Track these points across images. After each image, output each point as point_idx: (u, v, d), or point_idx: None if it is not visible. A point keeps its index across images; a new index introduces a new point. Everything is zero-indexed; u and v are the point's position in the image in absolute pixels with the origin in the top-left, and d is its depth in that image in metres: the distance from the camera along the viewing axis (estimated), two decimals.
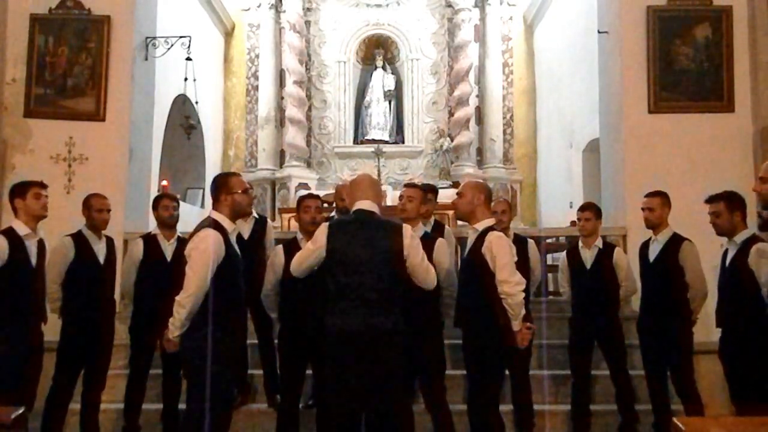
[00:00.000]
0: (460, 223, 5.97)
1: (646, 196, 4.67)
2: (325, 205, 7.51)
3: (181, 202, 5.17)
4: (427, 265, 3.51)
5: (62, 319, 4.49)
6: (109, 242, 4.68)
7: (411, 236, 3.46)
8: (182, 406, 4.53)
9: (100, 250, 4.57)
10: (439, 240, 4.13)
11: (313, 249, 3.48)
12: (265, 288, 4.39)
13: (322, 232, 3.45)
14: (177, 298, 3.41)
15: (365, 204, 3.48)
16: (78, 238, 4.52)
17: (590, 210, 4.93)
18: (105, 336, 4.56)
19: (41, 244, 4.25)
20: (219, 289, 3.43)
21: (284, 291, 4.28)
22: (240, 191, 3.63)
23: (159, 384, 4.83)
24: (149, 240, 4.84)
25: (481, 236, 3.68)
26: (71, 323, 4.46)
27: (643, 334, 4.68)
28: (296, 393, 4.32)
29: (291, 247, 4.34)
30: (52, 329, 4.47)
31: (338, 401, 3.34)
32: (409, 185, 4.38)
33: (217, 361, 3.38)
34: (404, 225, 3.52)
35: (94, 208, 4.56)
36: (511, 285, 3.55)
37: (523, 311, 3.63)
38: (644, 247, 4.71)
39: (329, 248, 3.37)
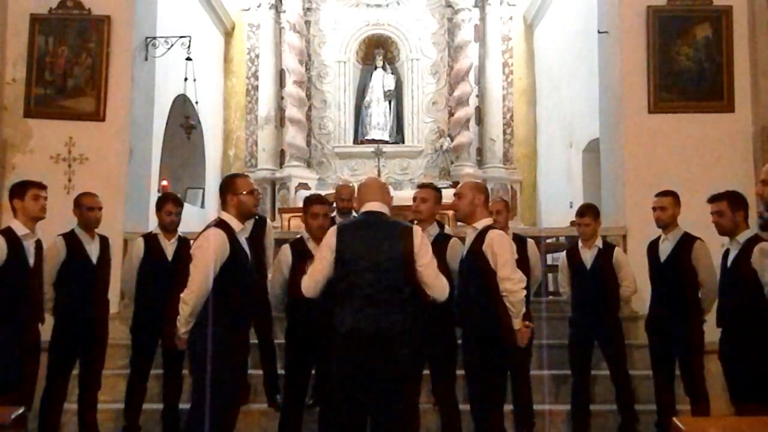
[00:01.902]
0: (459, 223, 5.97)
1: (657, 195, 4.66)
2: None
3: (182, 206, 5.14)
4: (436, 269, 3.41)
5: (54, 318, 4.47)
6: (104, 241, 4.65)
7: (421, 238, 3.42)
8: (183, 405, 4.56)
9: (92, 249, 4.54)
10: (453, 239, 4.14)
11: (323, 256, 3.41)
12: (273, 288, 4.40)
13: (331, 234, 3.42)
14: (181, 295, 3.44)
15: (374, 205, 3.46)
16: (70, 237, 4.51)
17: (589, 215, 4.90)
18: (98, 335, 4.55)
19: (39, 245, 4.23)
20: (224, 287, 3.45)
21: (291, 290, 4.27)
22: (245, 192, 3.65)
23: (159, 384, 4.83)
24: (150, 239, 4.83)
25: (481, 235, 3.68)
26: (62, 322, 4.44)
27: (653, 333, 4.67)
28: (301, 392, 4.32)
29: (298, 246, 4.35)
30: (49, 329, 4.47)
31: (346, 401, 3.34)
32: (423, 186, 4.36)
33: (224, 358, 3.39)
34: (414, 226, 3.50)
35: (86, 207, 4.54)
36: (513, 282, 3.55)
37: (524, 309, 3.63)
38: (653, 246, 4.69)
39: (339, 249, 3.35)
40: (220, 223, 3.56)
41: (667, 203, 4.59)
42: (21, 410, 2.75)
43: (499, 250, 3.59)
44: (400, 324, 3.28)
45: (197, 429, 3.38)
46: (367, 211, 3.47)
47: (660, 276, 4.62)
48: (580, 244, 4.97)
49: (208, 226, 3.60)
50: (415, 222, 4.20)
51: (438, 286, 3.39)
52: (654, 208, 4.63)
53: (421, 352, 3.79)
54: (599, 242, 4.93)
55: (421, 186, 4.37)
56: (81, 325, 4.44)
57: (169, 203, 4.85)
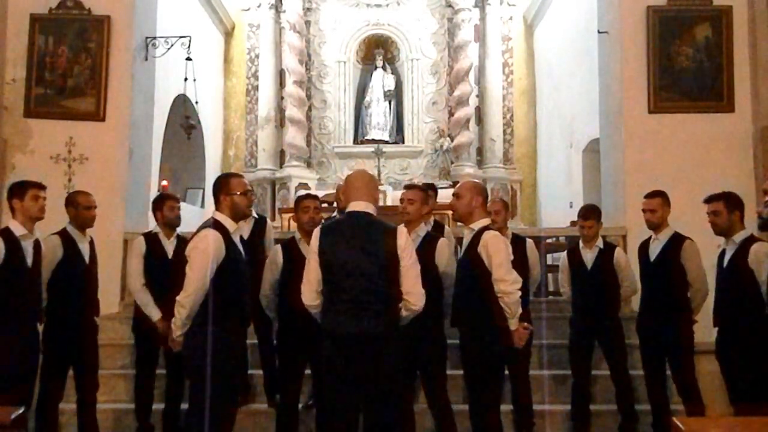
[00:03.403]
0: (459, 223, 5.97)
1: (646, 197, 4.66)
2: (325, 204, 7.51)
3: (180, 203, 5.17)
4: (417, 275, 3.31)
5: (45, 319, 4.37)
6: (91, 241, 4.61)
7: (406, 239, 3.37)
8: (184, 405, 4.56)
9: (85, 248, 4.51)
10: (441, 240, 4.12)
11: (311, 260, 3.36)
12: (263, 288, 4.39)
13: (315, 236, 3.39)
14: (177, 298, 3.42)
15: (359, 205, 3.39)
16: (64, 236, 4.45)
17: (593, 218, 4.89)
18: (90, 336, 4.51)
19: (37, 245, 4.20)
20: (220, 288, 3.43)
21: (282, 291, 4.27)
22: (239, 193, 3.63)
23: (160, 383, 4.83)
24: (151, 238, 4.81)
25: (477, 236, 3.68)
26: (54, 323, 4.37)
27: (643, 333, 4.68)
28: (295, 392, 4.32)
29: (289, 246, 4.35)
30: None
31: (334, 404, 3.33)
32: (409, 187, 4.33)
33: (219, 360, 3.39)
34: (399, 227, 3.43)
35: (82, 206, 4.49)
36: (507, 283, 3.55)
37: (520, 310, 3.62)
38: (644, 246, 4.70)
39: (321, 251, 3.31)
40: (215, 224, 3.53)
41: (656, 205, 4.58)
42: (21, 410, 2.75)
43: (494, 251, 3.58)
44: (382, 327, 3.25)
45: (195, 429, 3.38)
46: (352, 211, 3.40)
47: (650, 276, 4.62)
48: (581, 244, 4.97)
49: (202, 227, 3.57)
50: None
51: (416, 293, 3.30)
52: (643, 210, 4.63)
53: (408, 352, 3.79)
54: (600, 242, 4.92)
55: (408, 187, 4.33)
56: (74, 326, 4.39)
57: (171, 200, 4.87)
